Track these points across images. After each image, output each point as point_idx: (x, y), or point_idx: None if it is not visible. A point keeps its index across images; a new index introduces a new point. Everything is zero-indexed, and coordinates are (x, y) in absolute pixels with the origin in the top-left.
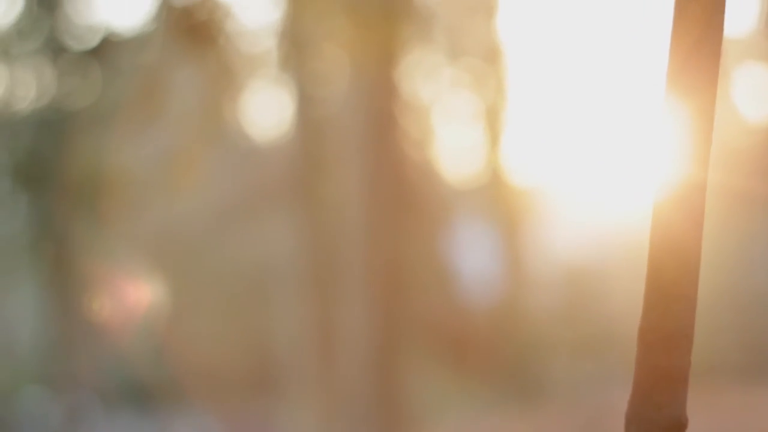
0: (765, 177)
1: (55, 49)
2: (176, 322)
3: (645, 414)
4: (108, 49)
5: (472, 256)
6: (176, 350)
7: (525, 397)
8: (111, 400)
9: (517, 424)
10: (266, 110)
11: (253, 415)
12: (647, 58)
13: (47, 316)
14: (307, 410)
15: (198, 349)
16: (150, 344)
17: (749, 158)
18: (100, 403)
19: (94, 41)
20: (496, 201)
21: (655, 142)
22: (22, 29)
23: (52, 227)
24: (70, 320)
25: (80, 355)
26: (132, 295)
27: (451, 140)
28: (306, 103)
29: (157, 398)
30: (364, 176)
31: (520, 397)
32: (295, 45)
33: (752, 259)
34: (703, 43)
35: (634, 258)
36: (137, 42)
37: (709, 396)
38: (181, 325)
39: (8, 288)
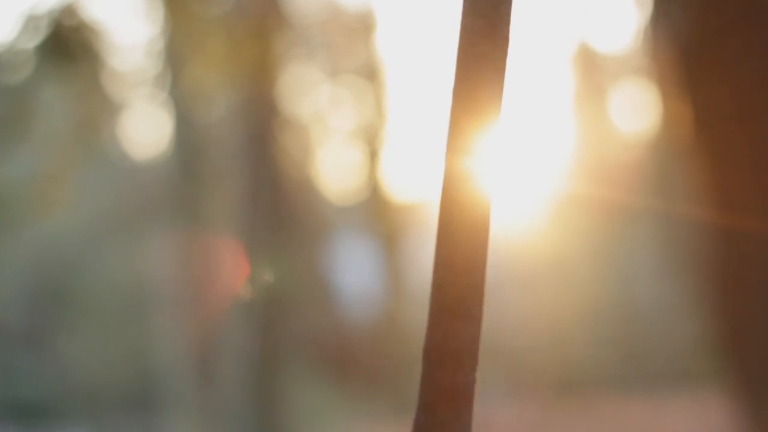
0: (642, 191)
1: None
2: (56, 339)
3: None
4: None
5: (352, 272)
6: (57, 367)
7: (405, 410)
8: None
9: None
10: (144, 128)
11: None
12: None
13: None
14: (188, 427)
15: (79, 366)
16: (30, 361)
17: (626, 172)
18: None
19: None
20: (376, 217)
21: (440, 159)
22: None
23: None
24: None
25: None
26: (12, 312)
27: (330, 157)
28: (184, 121)
29: (38, 415)
30: (243, 194)
31: (400, 411)
32: (173, 63)
33: (629, 272)
34: (487, 57)
35: (515, 273)
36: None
37: (587, 407)
38: (61, 342)
39: None
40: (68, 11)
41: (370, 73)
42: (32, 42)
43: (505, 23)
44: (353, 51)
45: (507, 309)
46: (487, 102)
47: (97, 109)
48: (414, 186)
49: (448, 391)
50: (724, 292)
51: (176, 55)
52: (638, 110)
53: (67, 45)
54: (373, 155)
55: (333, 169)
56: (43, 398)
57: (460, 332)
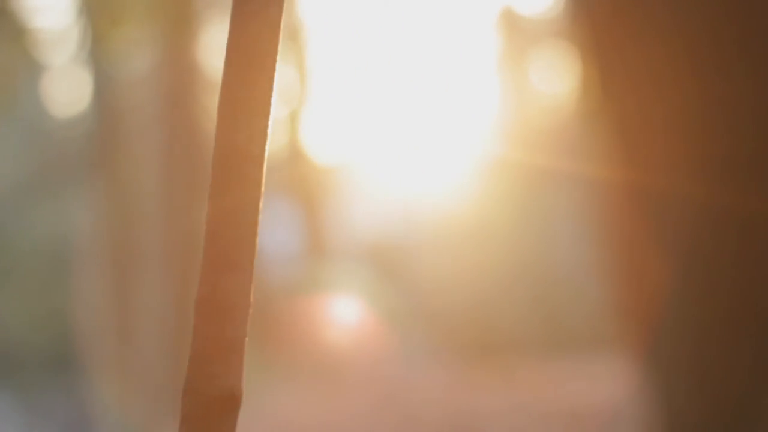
0: (561, 154)
1: None
2: None
3: (199, 385)
4: None
5: (272, 234)
6: None
7: (326, 372)
8: None
9: (316, 398)
10: (63, 87)
11: (54, 393)
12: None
13: None
14: (107, 388)
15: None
16: None
17: (549, 136)
18: None
19: None
20: (297, 178)
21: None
22: None
23: None
24: None
25: None
26: None
27: None
28: (103, 80)
29: None
30: (161, 153)
31: (320, 373)
32: (92, 20)
33: (552, 236)
34: (263, 13)
35: (436, 236)
36: None
37: (506, 370)
38: None
39: None
40: None
41: (291, 33)
42: None
43: None
44: None
45: (429, 272)
46: (261, 60)
47: (16, 67)
48: (334, 148)
49: (219, 344)
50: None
51: (96, 12)
52: (558, 73)
53: None
54: (293, 116)
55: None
56: None
57: (230, 285)
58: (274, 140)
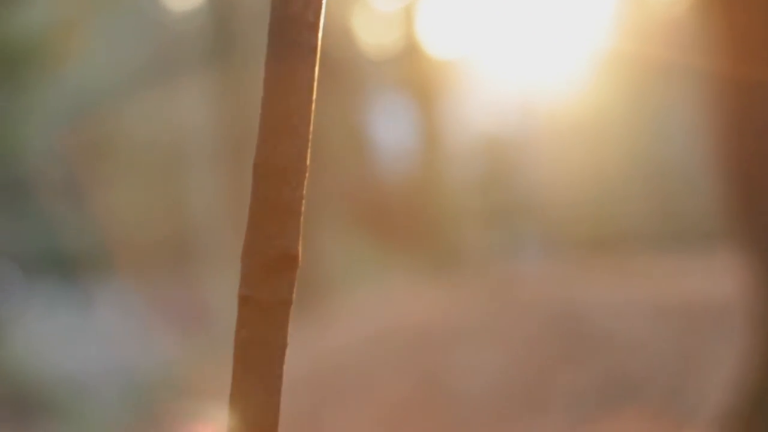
0: (678, 47)
1: None
2: (95, 191)
3: (257, 246)
4: None
5: (388, 128)
6: (96, 219)
7: (442, 266)
8: (31, 270)
9: (431, 292)
10: None
11: (173, 283)
12: None
13: None
14: (224, 279)
15: (117, 218)
16: (70, 213)
17: (664, 28)
18: (21, 273)
19: None
20: (412, 72)
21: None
22: None
23: None
24: None
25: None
26: (49, 162)
27: (367, 10)
28: None
29: (77, 267)
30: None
31: (438, 267)
32: None
33: (666, 129)
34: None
35: (552, 129)
36: None
37: (621, 265)
38: (99, 195)
39: None
40: None
41: None
42: None
43: None
44: None
45: (543, 165)
46: None
47: None
48: (450, 41)
49: (275, 205)
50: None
51: None
52: None
53: None
54: (408, 9)
55: (370, 22)
56: (82, 251)
57: (287, 149)
58: (389, 33)
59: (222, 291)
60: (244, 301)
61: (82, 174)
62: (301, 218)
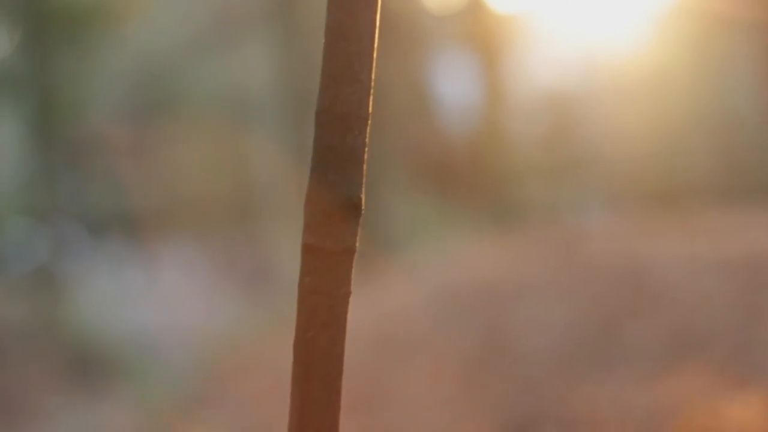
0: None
1: None
2: (159, 150)
3: (320, 194)
4: None
5: (452, 83)
6: (158, 179)
7: (506, 221)
8: (96, 230)
9: (497, 247)
10: None
11: (238, 239)
12: None
13: (31, 147)
14: (289, 237)
15: (179, 177)
16: (134, 172)
17: None
18: (86, 233)
19: None
20: (476, 27)
21: None
22: None
23: (34, 58)
24: (54, 151)
25: (65, 185)
26: (115, 123)
27: None
28: None
29: (142, 226)
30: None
31: (501, 222)
32: None
33: (731, 83)
34: None
35: (616, 84)
36: None
37: (687, 219)
38: (163, 153)
39: None
40: None
41: None
42: None
43: None
44: None
45: (608, 120)
46: None
47: None
48: None
49: (338, 152)
50: None
51: None
52: None
53: None
54: None
55: None
56: (146, 210)
57: (348, 96)
58: None
59: (286, 246)
60: (307, 249)
61: (145, 133)
62: (365, 166)
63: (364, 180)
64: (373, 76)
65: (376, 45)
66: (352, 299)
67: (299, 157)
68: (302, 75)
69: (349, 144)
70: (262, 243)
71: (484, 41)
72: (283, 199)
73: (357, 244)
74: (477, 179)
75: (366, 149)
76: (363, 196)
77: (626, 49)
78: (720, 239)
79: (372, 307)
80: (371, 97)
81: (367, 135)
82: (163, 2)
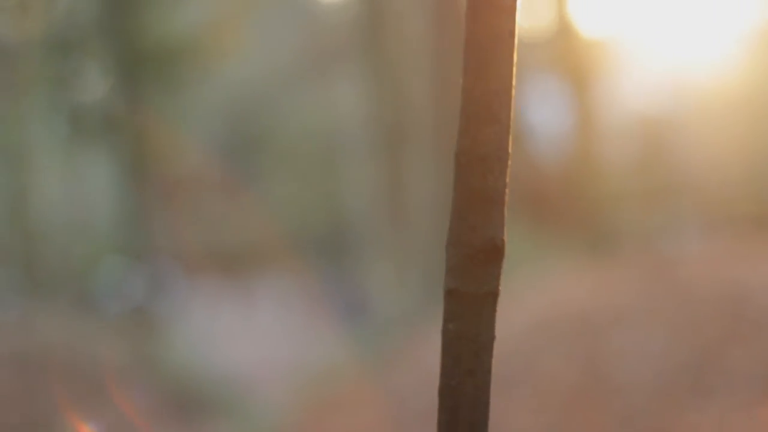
0: None
1: None
2: (250, 188)
3: (462, 236)
4: None
5: (544, 109)
6: (252, 216)
7: (599, 247)
8: (192, 267)
9: (593, 275)
10: None
11: (329, 277)
12: None
13: (126, 187)
14: (382, 270)
15: (273, 213)
16: (230, 209)
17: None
18: (181, 271)
19: None
20: (566, 53)
21: None
22: None
23: (128, 98)
24: (148, 190)
25: (160, 223)
26: (208, 160)
27: None
28: None
29: (236, 265)
30: (430, 31)
31: (596, 249)
32: None
33: None
34: None
35: (707, 108)
36: None
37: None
38: (255, 191)
39: (87, 159)
40: None
41: None
42: None
43: None
44: None
45: (699, 144)
46: None
47: None
48: (602, 21)
49: (478, 194)
50: None
51: None
52: None
53: None
54: None
55: (523, 3)
56: (242, 246)
57: (489, 137)
58: (542, 15)
59: (379, 281)
60: (451, 294)
61: (239, 169)
62: (505, 207)
63: (505, 221)
64: (512, 116)
65: (515, 83)
66: None
67: (391, 190)
68: (393, 107)
69: (490, 185)
70: (355, 278)
71: (574, 67)
72: (376, 233)
73: (499, 287)
74: (570, 206)
75: (507, 190)
76: (505, 238)
77: (715, 72)
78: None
79: None
80: (510, 137)
81: (508, 175)
82: (255, 37)
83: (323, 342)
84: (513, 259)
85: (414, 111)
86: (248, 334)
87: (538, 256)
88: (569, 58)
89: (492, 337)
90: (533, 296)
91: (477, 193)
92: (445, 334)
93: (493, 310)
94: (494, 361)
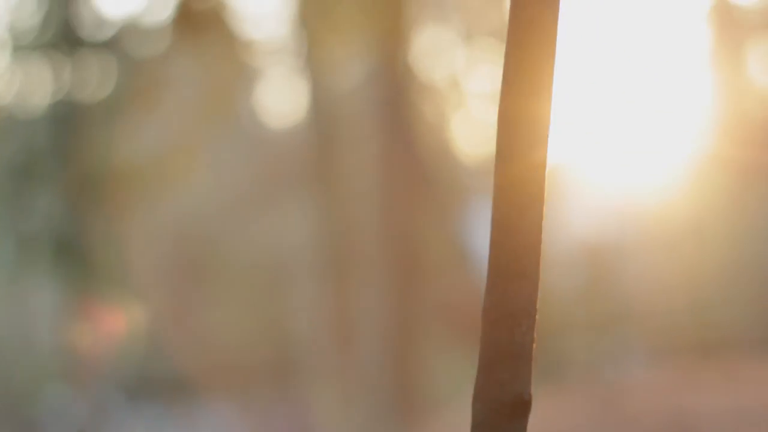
0: None
1: (67, 41)
2: (195, 313)
3: (489, 392)
4: (119, 41)
5: (486, 235)
6: (196, 341)
7: (544, 376)
8: (135, 395)
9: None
10: (279, 97)
11: (275, 403)
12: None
13: (66, 313)
14: (328, 396)
15: (218, 339)
16: (170, 336)
17: (763, 130)
18: (124, 398)
19: (106, 33)
20: None
21: (495, 121)
22: (34, 22)
23: (68, 223)
24: (89, 316)
25: (102, 350)
26: (149, 287)
27: (465, 120)
28: (319, 89)
29: (180, 390)
30: (378, 160)
31: (539, 377)
32: (307, 31)
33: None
34: (539, 20)
35: (652, 235)
36: (146, 33)
37: (727, 370)
38: (200, 316)
39: (25, 286)
40: None
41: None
42: (163, 15)
43: None
44: (487, 13)
45: (645, 272)
46: (538, 65)
47: (234, 78)
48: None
49: (506, 349)
50: None
51: (311, 22)
52: None
53: (198, 16)
54: None
55: (468, 132)
56: (184, 373)
57: (517, 292)
58: (487, 143)
59: (321, 410)
60: None
61: (187, 294)
62: (533, 362)
63: (532, 376)
64: (540, 272)
65: (542, 237)
66: None
67: (338, 315)
68: (341, 233)
69: (518, 341)
70: (300, 405)
71: None
72: (322, 357)
73: None
74: None
75: (534, 345)
76: (532, 393)
77: (661, 199)
78: (763, 391)
79: None
80: (539, 293)
81: (535, 330)
82: (204, 163)
83: None
84: (452, 389)
85: (361, 236)
86: None
87: None
88: None
89: None
90: None
91: (504, 349)
92: None
93: None
94: None
